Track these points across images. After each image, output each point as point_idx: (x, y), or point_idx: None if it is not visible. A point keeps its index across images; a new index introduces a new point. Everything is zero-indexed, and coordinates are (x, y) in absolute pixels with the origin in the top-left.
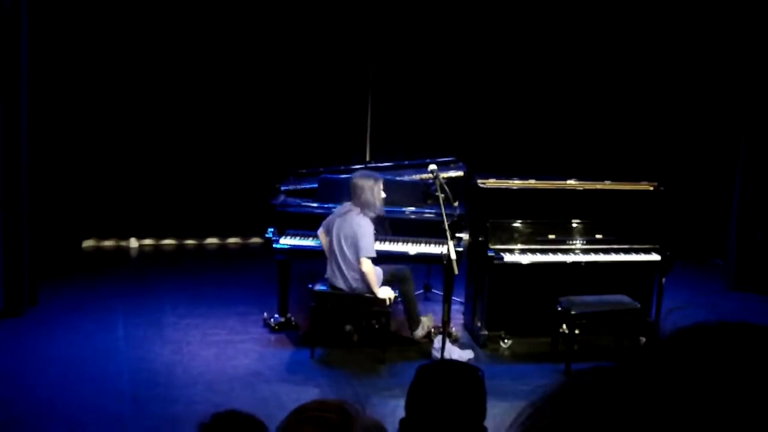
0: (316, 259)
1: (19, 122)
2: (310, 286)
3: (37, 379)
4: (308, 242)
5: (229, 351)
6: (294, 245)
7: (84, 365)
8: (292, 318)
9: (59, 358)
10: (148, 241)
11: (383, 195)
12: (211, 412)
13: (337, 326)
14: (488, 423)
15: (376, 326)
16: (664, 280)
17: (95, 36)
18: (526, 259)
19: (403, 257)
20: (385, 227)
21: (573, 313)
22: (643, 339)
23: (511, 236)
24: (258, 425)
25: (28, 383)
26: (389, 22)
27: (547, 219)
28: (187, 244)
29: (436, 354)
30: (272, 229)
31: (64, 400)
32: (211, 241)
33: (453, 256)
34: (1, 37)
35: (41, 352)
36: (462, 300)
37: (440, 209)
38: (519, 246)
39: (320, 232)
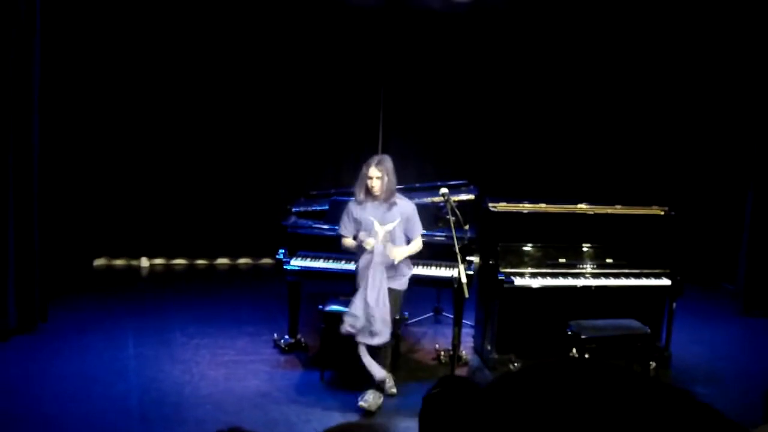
0: (327, 280)
1: (31, 140)
2: (320, 307)
3: (46, 396)
4: (319, 263)
5: (238, 371)
6: (305, 266)
7: (93, 383)
8: (302, 339)
9: (69, 376)
10: (159, 261)
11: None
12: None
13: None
14: None
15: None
16: (674, 304)
17: (108, 53)
18: (537, 282)
19: (413, 280)
20: None
21: (583, 337)
22: (653, 364)
23: (521, 260)
24: None
25: (38, 399)
26: (401, 44)
27: (558, 243)
28: (198, 264)
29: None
30: (283, 251)
31: (73, 417)
32: (222, 261)
33: (463, 279)
34: (13, 52)
35: (51, 369)
36: (472, 323)
37: (451, 232)
38: (529, 270)
39: None
